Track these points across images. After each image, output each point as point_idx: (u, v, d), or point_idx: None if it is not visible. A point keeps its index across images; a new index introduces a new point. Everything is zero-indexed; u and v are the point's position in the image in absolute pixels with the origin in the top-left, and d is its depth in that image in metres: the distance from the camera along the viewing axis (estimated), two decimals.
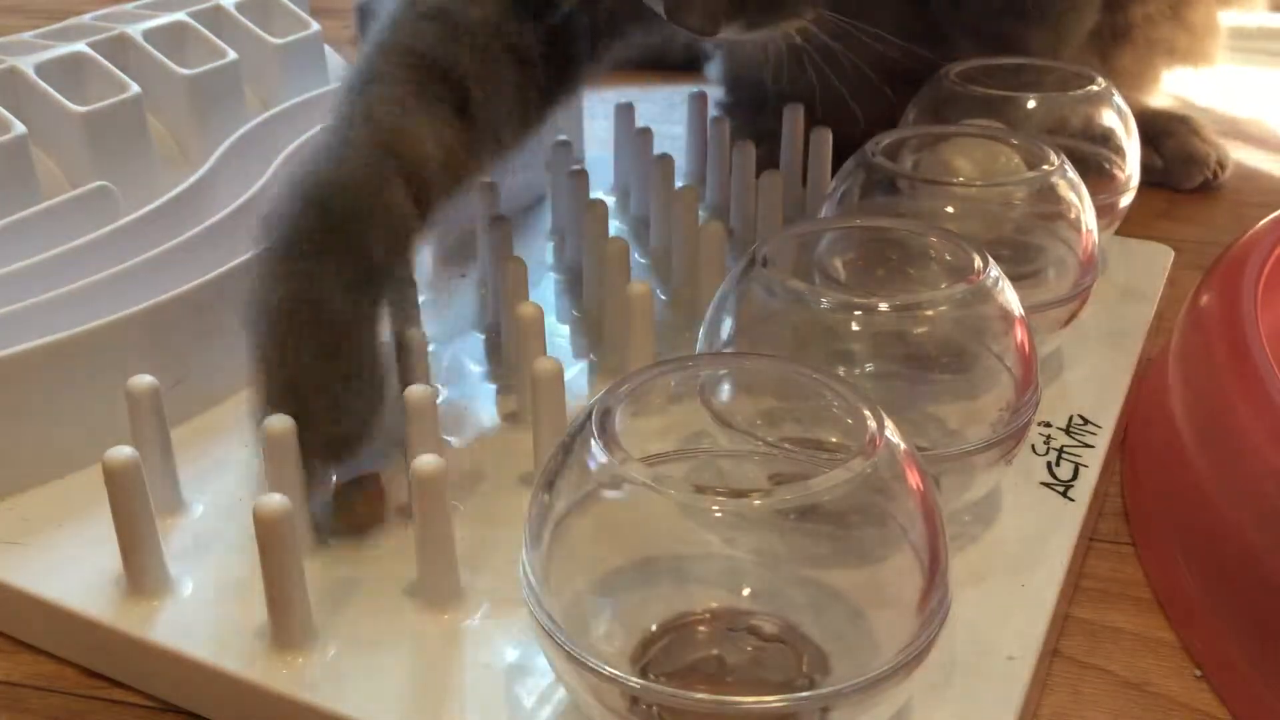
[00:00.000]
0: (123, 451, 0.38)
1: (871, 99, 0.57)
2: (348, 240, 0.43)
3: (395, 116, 0.46)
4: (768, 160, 0.67)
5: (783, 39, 0.50)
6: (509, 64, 0.49)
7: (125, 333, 0.47)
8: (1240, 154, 0.82)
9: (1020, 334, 0.41)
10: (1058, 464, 0.46)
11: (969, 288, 0.40)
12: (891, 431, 0.33)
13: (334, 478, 0.44)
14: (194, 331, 0.50)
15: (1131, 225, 0.63)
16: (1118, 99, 0.57)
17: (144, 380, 0.42)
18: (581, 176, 0.62)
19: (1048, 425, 0.48)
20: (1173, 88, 0.83)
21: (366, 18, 0.98)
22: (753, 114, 0.75)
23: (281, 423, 0.40)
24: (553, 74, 0.51)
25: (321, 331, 0.41)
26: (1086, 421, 0.49)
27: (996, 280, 0.41)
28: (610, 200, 0.69)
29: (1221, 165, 0.76)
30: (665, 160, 0.63)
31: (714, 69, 0.83)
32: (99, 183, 0.58)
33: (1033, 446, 0.47)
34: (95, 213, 0.56)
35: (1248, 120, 0.90)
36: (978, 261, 0.41)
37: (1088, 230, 0.49)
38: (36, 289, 0.49)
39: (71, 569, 0.42)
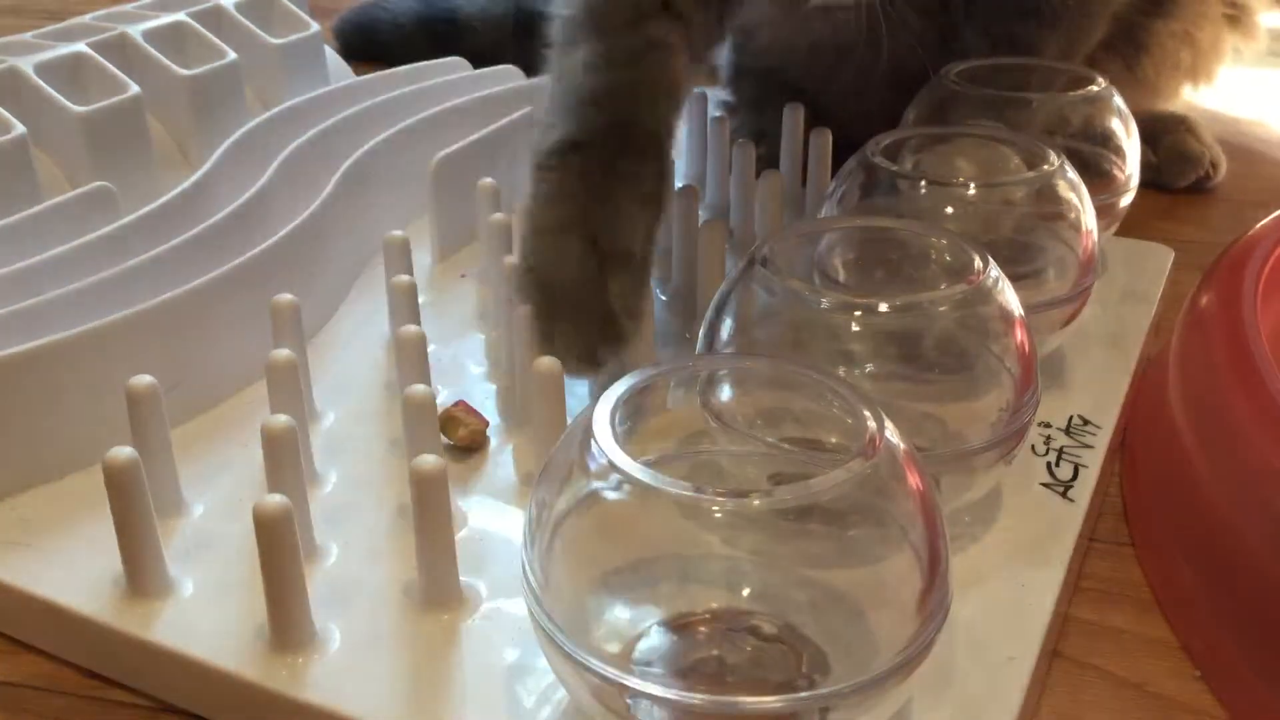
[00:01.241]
0: (123, 452, 0.38)
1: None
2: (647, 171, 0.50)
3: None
4: (769, 159, 0.67)
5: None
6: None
7: (125, 333, 0.47)
8: (1241, 155, 0.82)
9: (1020, 334, 0.41)
10: (1058, 464, 0.46)
11: (969, 288, 0.40)
12: (891, 432, 0.33)
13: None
14: (194, 332, 0.50)
15: (1132, 226, 0.63)
16: (1118, 100, 0.57)
17: (144, 380, 0.42)
18: None
19: (1047, 426, 0.48)
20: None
21: (346, 35, 0.98)
22: (755, 113, 0.75)
23: (280, 423, 0.40)
24: None
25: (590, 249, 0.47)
26: (1086, 422, 0.49)
27: (996, 281, 0.41)
28: None
29: (1215, 166, 0.76)
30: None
31: (721, 57, 0.83)
32: (99, 183, 0.58)
33: (1033, 447, 0.47)
34: (95, 213, 0.56)
35: (1250, 121, 0.90)
36: (978, 262, 0.41)
37: (1088, 230, 0.49)
38: (37, 289, 0.49)
39: (72, 569, 0.42)
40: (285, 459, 0.41)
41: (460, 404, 0.49)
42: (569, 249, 0.48)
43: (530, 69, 0.76)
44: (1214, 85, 0.81)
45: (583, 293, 0.47)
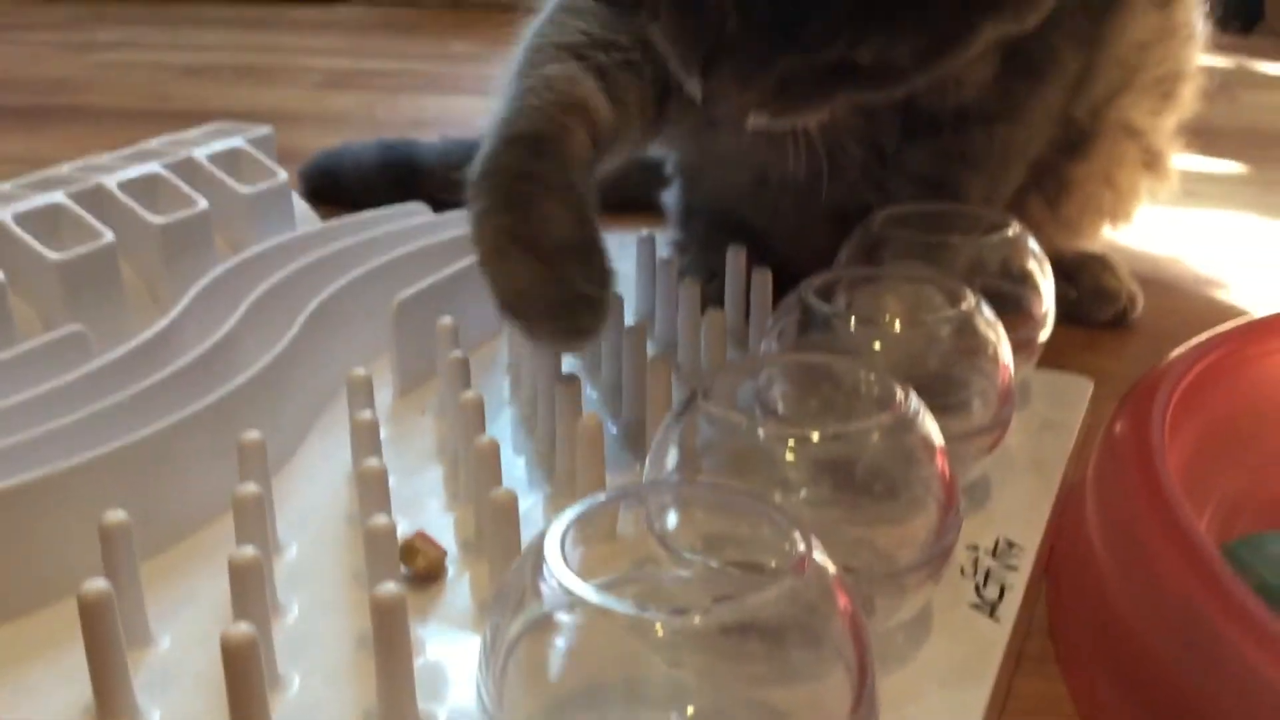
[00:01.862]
0: (97, 585, 0.40)
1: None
2: (550, 168, 0.52)
3: (569, 84, 0.56)
4: (719, 296, 0.71)
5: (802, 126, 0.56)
6: (629, 69, 0.58)
7: (98, 472, 0.49)
8: (1159, 290, 0.88)
9: (940, 461, 0.44)
10: (985, 585, 0.49)
11: (891, 418, 0.43)
12: (819, 553, 0.36)
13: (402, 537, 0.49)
14: (164, 470, 0.52)
15: (1054, 358, 0.67)
16: (1032, 243, 0.61)
17: (117, 516, 0.44)
18: None
19: (975, 549, 0.51)
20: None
21: (312, 180, 1.02)
22: (706, 252, 0.79)
23: (246, 556, 0.42)
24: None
25: (539, 248, 0.50)
26: (1012, 545, 0.52)
27: (916, 411, 0.44)
28: None
29: (1133, 301, 0.81)
30: (616, 299, 0.66)
31: (669, 198, 0.87)
32: (72, 326, 0.60)
33: (961, 569, 0.50)
34: (69, 356, 0.59)
35: (1166, 259, 0.96)
36: (899, 394, 0.44)
37: (1004, 364, 0.53)
38: (12, 430, 0.51)
39: (42, 701, 0.43)
40: (251, 590, 0.43)
41: (419, 534, 0.51)
42: (514, 261, 0.51)
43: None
44: (1132, 224, 0.86)
45: (542, 294, 0.51)
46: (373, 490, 0.49)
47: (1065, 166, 0.77)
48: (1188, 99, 0.81)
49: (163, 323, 0.62)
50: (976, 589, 0.49)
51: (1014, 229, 0.61)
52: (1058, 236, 0.80)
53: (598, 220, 0.54)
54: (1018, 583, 0.49)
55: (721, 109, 0.51)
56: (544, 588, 0.35)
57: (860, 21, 0.48)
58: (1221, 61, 1.65)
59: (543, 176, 0.53)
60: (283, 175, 0.80)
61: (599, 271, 0.53)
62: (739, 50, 0.49)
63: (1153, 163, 0.82)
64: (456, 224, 0.79)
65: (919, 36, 0.50)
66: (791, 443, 0.43)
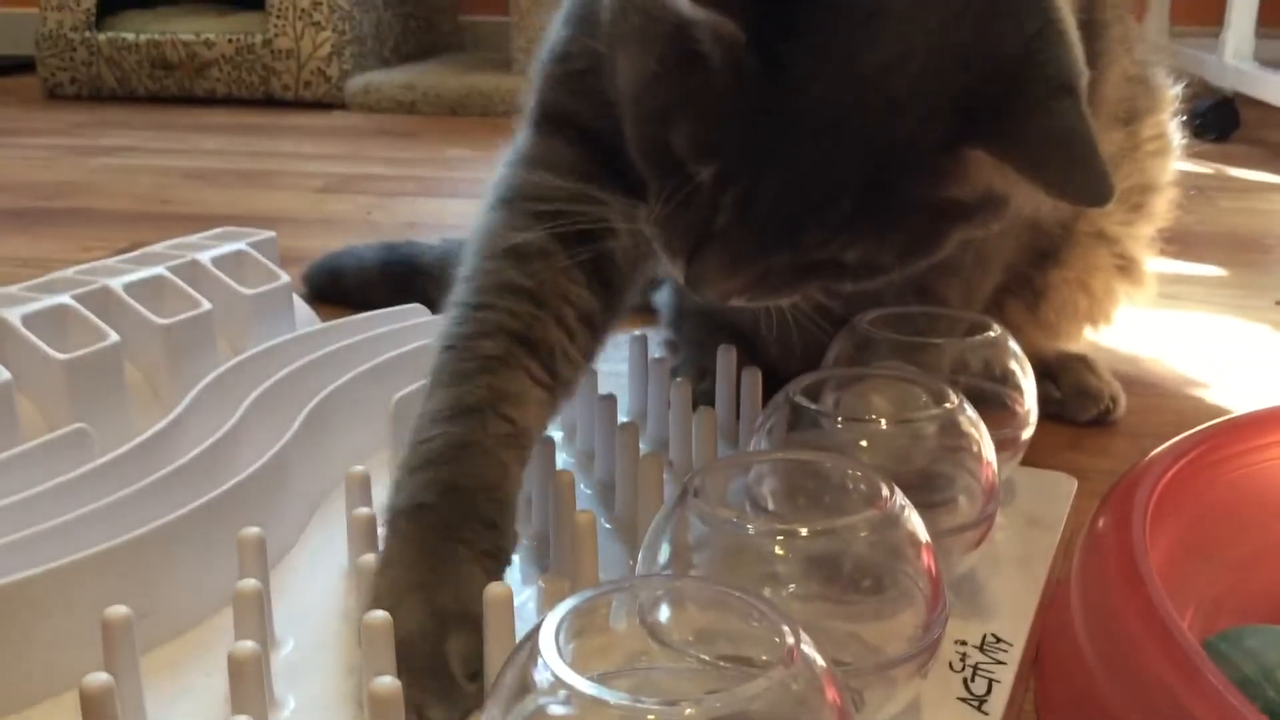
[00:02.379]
0: (99, 678, 0.41)
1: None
2: (473, 525, 0.51)
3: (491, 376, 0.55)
4: (711, 394, 0.73)
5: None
6: (568, 297, 0.58)
7: (100, 568, 0.50)
8: (1142, 389, 0.89)
9: (926, 556, 0.45)
10: (973, 680, 0.50)
11: (877, 514, 0.44)
12: (809, 646, 0.37)
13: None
14: (164, 565, 0.52)
15: (1040, 456, 0.68)
16: (1013, 344, 0.63)
17: (119, 611, 0.45)
18: None
19: (963, 643, 0.52)
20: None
21: (315, 281, 1.05)
22: (698, 351, 0.81)
23: (245, 650, 0.43)
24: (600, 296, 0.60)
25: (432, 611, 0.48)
26: (999, 640, 0.53)
27: (903, 507, 0.45)
28: (558, 435, 0.73)
29: (1115, 401, 0.82)
30: (609, 399, 0.68)
31: (661, 299, 0.89)
32: (76, 425, 0.62)
33: (950, 664, 0.51)
34: (72, 454, 0.60)
35: (1148, 359, 0.98)
36: (885, 490, 0.46)
37: (988, 462, 0.54)
38: (15, 526, 0.52)
39: None
40: (249, 684, 0.43)
41: None
42: (409, 612, 0.48)
43: None
44: (1112, 326, 0.88)
45: (420, 656, 0.47)
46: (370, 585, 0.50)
47: (1041, 274, 0.80)
48: (1160, 210, 0.83)
49: (165, 421, 0.63)
50: (965, 683, 0.50)
51: (995, 330, 0.63)
52: (1038, 338, 0.82)
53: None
54: (1005, 677, 0.50)
55: (702, 293, 0.52)
56: (539, 679, 0.36)
57: (854, 229, 0.50)
58: (1200, 168, 1.71)
59: (472, 541, 0.51)
60: (285, 278, 0.82)
61: (476, 659, 0.48)
62: (728, 243, 0.50)
63: (1128, 268, 0.84)
64: None
65: (901, 242, 0.52)
66: (781, 538, 0.44)
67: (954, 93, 0.48)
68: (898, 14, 0.47)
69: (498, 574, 0.51)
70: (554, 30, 0.64)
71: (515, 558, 0.60)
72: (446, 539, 0.51)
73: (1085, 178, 0.48)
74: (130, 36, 2.44)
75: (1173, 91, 0.82)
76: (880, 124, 0.48)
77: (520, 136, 0.65)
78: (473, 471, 0.52)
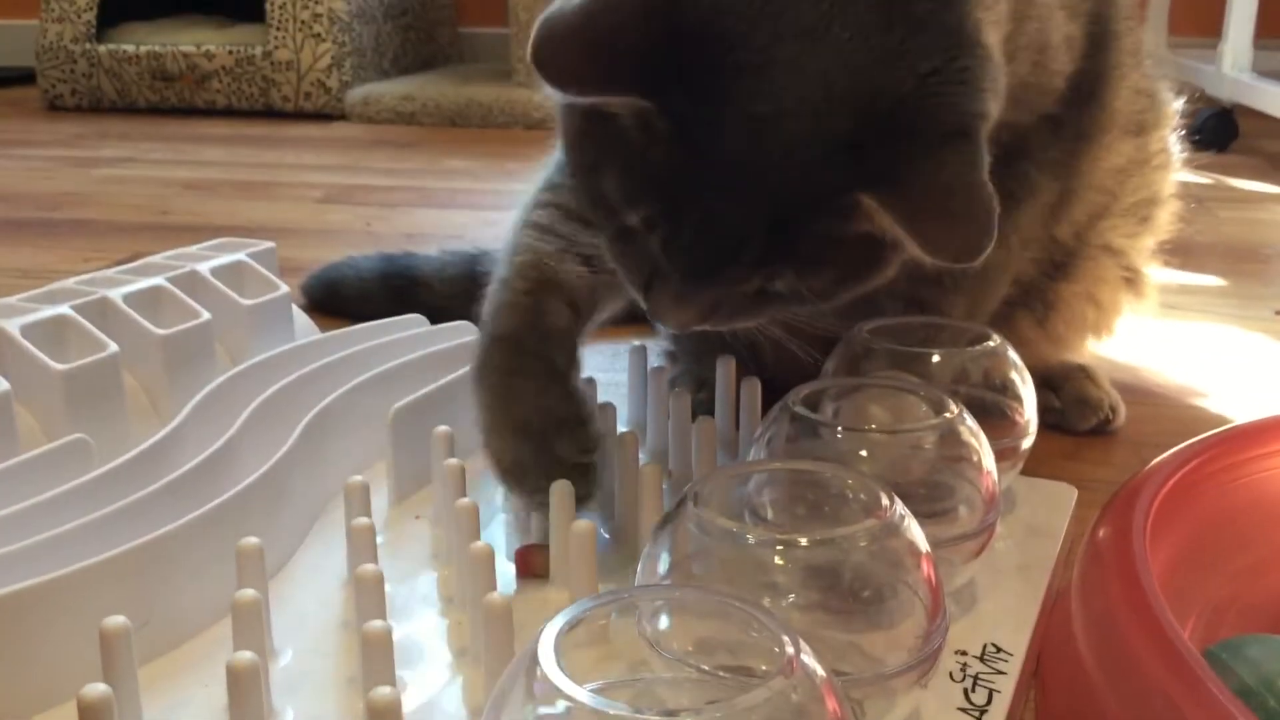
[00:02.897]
0: (97, 688, 0.41)
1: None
2: (532, 360, 0.60)
3: (548, 266, 0.63)
4: (709, 405, 0.73)
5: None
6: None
7: (98, 578, 0.50)
8: (1141, 399, 0.89)
9: (926, 566, 0.45)
10: (973, 690, 0.50)
11: (877, 524, 0.44)
12: (808, 656, 0.37)
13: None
14: (163, 575, 0.52)
15: (1040, 465, 0.68)
16: (1012, 354, 0.63)
17: (117, 621, 0.45)
18: None
19: (963, 653, 0.52)
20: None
21: (313, 292, 1.05)
22: (696, 362, 0.81)
23: (244, 661, 0.43)
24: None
25: (529, 430, 0.58)
26: (999, 650, 0.52)
27: (902, 517, 0.45)
28: None
29: (1114, 410, 0.82)
30: (608, 408, 0.68)
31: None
32: (75, 436, 0.61)
33: (950, 673, 0.50)
34: (71, 464, 0.60)
35: (1147, 369, 0.98)
36: (884, 500, 0.46)
37: (988, 471, 0.54)
38: (14, 536, 0.52)
39: None
40: (248, 695, 0.43)
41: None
42: (508, 442, 0.59)
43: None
44: (1114, 336, 0.88)
45: (534, 468, 0.58)
46: (369, 595, 0.50)
47: (1052, 287, 0.80)
48: (1163, 222, 0.84)
49: (164, 431, 0.63)
50: (965, 693, 0.49)
51: (995, 340, 0.63)
52: (1046, 350, 0.82)
53: (582, 392, 0.61)
54: (1006, 687, 0.50)
55: (663, 323, 0.56)
56: (538, 690, 0.35)
57: (772, 262, 0.51)
58: (1199, 179, 1.71)
59: (527, 368, 0.60)
60: (284, 288, 0.82)
61: (586, 440, 0.59)
62: (669, 280, 0.53)
63: (1134, 280, 0.84)
64: (451, 335, 0.81)
65: (831, 273, 0.53)
66: (780, 548, 0.44)
67: (844, 138, 0.48)
68: (783, 64, 0.48)
69: (566, 390, 0.60)
70: None
71: (514, 567, 0.60)
72: (522, 359, 0.60)
73: (961, 234, 0.48)
74: (130, 48, 2.44)
75: (1175, 106, 0.83)
76: (775, 171, 0.49)
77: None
78: (526, 327, 0.61)
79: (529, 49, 0.48)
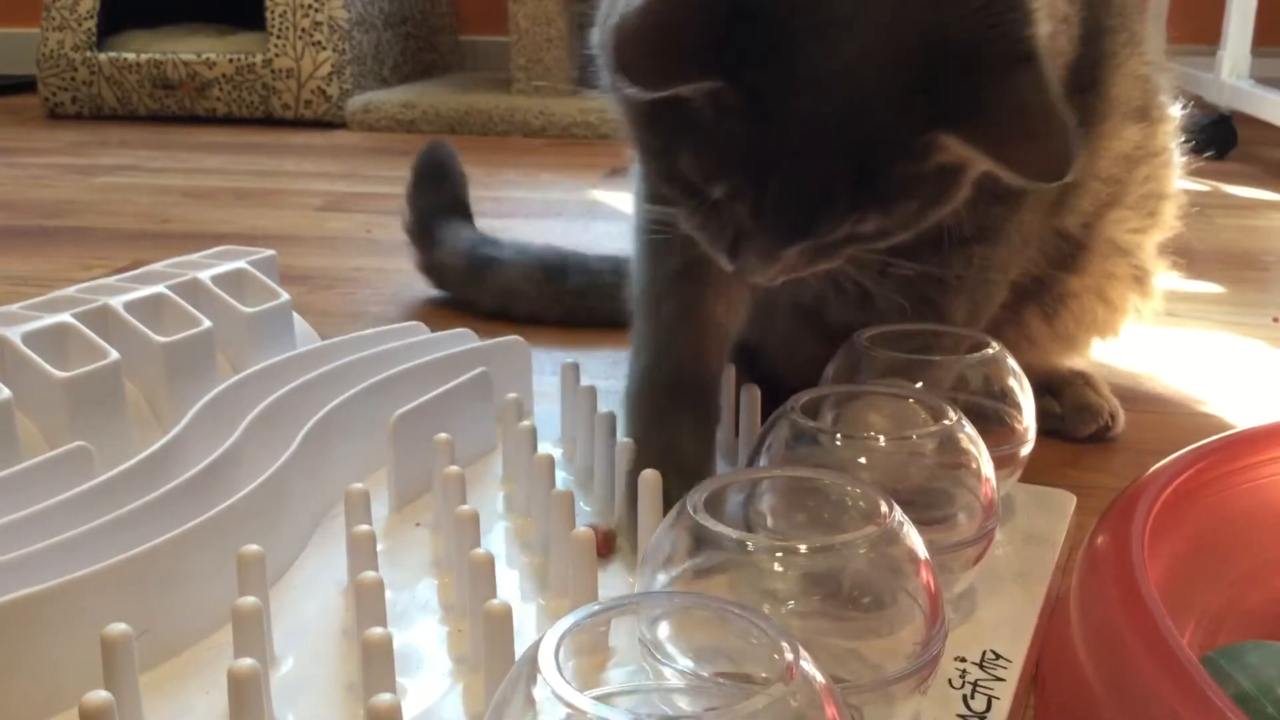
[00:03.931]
0: (99, 695, 0.41)
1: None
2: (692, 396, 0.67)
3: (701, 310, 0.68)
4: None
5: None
6: None
7: (100, 586, 0.50)
8: (1141, 406, 0.90)
9: (925, 573, 0.45)
10: (972, 697, 0.50)
11: (876, 531, 0.44)
12: (808, 663, 0.37)
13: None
14: (164, 583, 0.52)
15: (1039, 473, 0.68)
16: (1011, 361, 0.63)
17: (118, 629, 0.45)
18: (530, 430, 0.67)
19: (963, 660, 0.52)
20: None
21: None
22: None
23: (245, 667, 0.43)
24: None
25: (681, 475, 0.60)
26: (998, 657, 0.53)
27: (901, 524, 0.45)
28: (557, 452, 0.73)
29: (1114, 417, 0.83)
30: (608, 416, 0.68)
31: None
32: (77, 443, 0.62)
33: (949, 680, 0.51)
34: (72, 472, 0.60)
35: (1146, 376, 0.98)
36: (884, 507, 0.46)
37: (987, 478, 0.54)
38: (16, 544, 0.52)
39: None
40: (249, 702, 0.43)
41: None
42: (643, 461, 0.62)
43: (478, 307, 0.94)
44: (1119, 339, 0.88)
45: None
46: (369, 602, 0.50)
47: (1062, 280, 0.80)
48: (1169, 218, 0.84)
49: (165, 439, 0.63)
50: (964, 700, 0.50)
51: (994, 348, 0.63)
52: (1053, 351, 0.82)
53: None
54: (1005, 694, 0.50)
55: (751, 279, 0.58)
56: (538, 697, 0.36)
57: (859, 208, 0.53)
58: (1198, 186, 1.71)
59: (680, 399, 0.67)
60: (285, 296, 0.82)
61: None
62: (756, 239, 0.54)
63: (1142, 279, 0.85)
64: (452, 343, 0.81)
65: (911, 206, 0.55)
66: (780, 555, 0.44)
67: (914, 82, 0.50)
68: (843, 23, 0.50)
69: (709, 427, 0.67)
70: None
71: (515, 574, 0.60)
72: (667, 402, 0.67)
73: (1045, 152, 0.51)
74: (131, 56, 2.45)
75: (1173, 109, 0.83)
76: (852, 126, 0.51)
77: None
78: (687, 363, 0.67)
79: (609, 57, 0.50)
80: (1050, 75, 0.51)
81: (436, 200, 1.12)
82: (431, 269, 1.11)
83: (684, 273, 0.67)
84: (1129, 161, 0.78)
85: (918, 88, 0.50)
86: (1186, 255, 0.89)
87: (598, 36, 0.60)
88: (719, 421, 0.69)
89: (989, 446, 0.55)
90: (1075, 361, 0.87)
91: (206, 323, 0.74)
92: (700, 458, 0.65)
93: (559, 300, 1.05)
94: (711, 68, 0.50)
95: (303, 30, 2.39)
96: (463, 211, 1.13)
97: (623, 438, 0.66)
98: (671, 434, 0.65)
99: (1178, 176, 0.84)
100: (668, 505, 0.57)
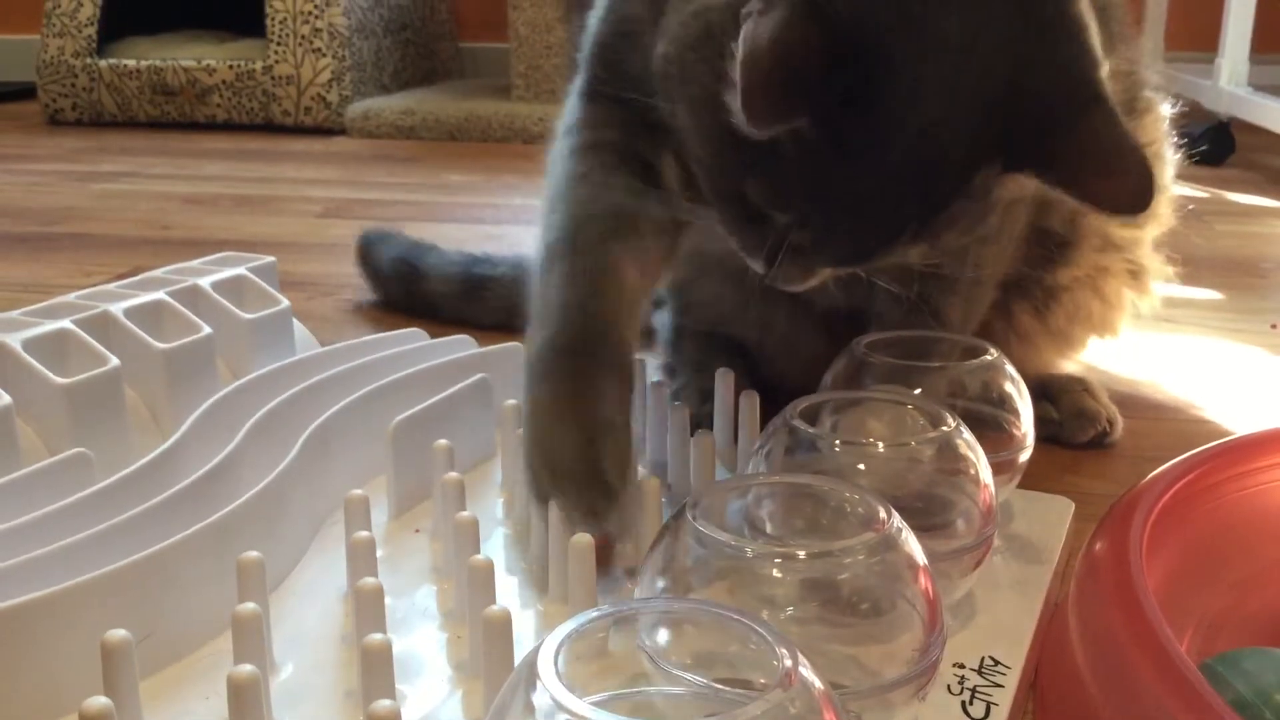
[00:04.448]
0: (98, 702, 0.41)
1: None
2: (605, 349, 0.62)
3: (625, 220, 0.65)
4: (710, 418, 0.73)
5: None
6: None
7: (100, 592, 0.50)
8: (1139, 412, 0.90)
9: (924, 579, 0.45)
10: (971, 703, 0.50)
11: (875, 537, 0.45)
12: (807, 669, 0.37)
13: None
14: (164, 589, 0.52)
15: (1038, 479, 0.69)
16: (1009, 367, 0.63)
17: (118, 635, 0.45)
18: None
19: (961, 666, 0.52)
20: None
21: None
22: (699, 374, 0.82)
23: (245, 674, 0.43)
24: None
25: (581, 425, 0.59)
26: (997, 663, 0.53)
27: (900, 530, 0.45)
28: None
29: (1112, 423, 0.83)
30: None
31: (659, 320, 0.90)
32: (76, 450, 0.62)
33: (948, 686, 0.51)
34: (72, 478, 0.60)
35: (1145, 382, 0.98)
36: (882, 513, 0.46)
37: (985, 484, 0.54)
38: (16, 550, 0.52)
39: None
40: (248, 708, 0.43)
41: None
42: (564, 430, 0.59)
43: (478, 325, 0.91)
44: (1118, 338, 0.88)
45: (579, 464, 0.58)
46: (369, 608, 0.50)
47: (1051, 275, 0.80)
48: (1163, 212, 0.84)
49: (165, 445, 0.63)
50: (963, 706, 0.50)
51: (992, 354, 0.63)
52: (1046, 347, 0.82)
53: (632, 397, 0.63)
54: (1003, 700, 0.50)
55: (779, 286, 0.59)
56: (537, 703, 0.36)
57: (914, 243, 0.56)
58: (1196, 192, 1.72)
59: (609, 365, 0.62)
60: (285, 302, 0.82)
61: (624, 461, 0.59)
62: (804, 255, 0.56)
63: (1138, 274, 0.85)
64: (451, 349, 0.81)
65: (954, 234, 0.57)
66: (778, 561, 0.44)
67: (993, 131, 0.52)
68: (932, 77, 0.52)
69: (630, 391, 0.62)
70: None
71: (514, 580, 0.60)
72: (587, 366, 0.61)
73: (1127, 187, 0.52)
74: (131, 63, 2.45)
75: (1163, 104, 0.83)
76: (926, 173, 0.53)
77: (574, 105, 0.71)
78: (602, 319, 0.63)
79: (741, 100, 0.51)
80: (1118, 111, 0.53)
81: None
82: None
83: (610, 234, 0.65)
84: None
85: (996, 136, 0.52)
86: (1187, 258, 0.89)
87: (662, 48, 0.60)
88: (633, 391, 0.64)
89: (987, 453, 0.56)
90: (1073, 367, 0.87)
91: (206, 329, 0.74)
92: (624, 421, 0.61)
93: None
94: (809, 109, 0.51)
95: (303, 37, 2.39)
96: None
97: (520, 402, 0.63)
98: (590, 393, 0.61)
99: (1171, 171, 0.84)
100: (593, 476, 0.58)
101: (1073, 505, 0.68)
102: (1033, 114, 0.52)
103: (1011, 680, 0.52)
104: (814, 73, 0.51)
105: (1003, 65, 0.52)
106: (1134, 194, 0.52)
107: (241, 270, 0.83)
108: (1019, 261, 0.76)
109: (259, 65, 2.41)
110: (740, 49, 0.51)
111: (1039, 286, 0.80)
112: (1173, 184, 0.84)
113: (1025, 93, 0.52)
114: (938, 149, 0.53)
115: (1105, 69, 0.54)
